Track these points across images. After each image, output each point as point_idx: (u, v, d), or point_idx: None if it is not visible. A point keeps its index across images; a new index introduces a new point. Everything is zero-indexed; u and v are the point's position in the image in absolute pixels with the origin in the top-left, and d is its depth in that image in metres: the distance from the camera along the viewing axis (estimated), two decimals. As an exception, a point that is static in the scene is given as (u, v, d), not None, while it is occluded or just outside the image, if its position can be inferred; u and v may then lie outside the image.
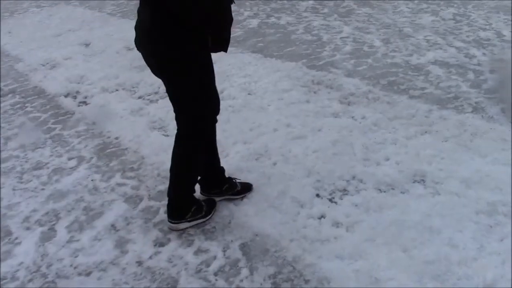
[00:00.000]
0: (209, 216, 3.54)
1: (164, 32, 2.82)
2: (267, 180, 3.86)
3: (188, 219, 3.45)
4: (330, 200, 3.63)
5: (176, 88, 3.09)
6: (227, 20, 2.89)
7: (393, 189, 3.68)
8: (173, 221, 3.45)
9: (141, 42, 3.00)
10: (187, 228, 3.46)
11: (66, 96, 6.03)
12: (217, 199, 3.67)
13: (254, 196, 3.66)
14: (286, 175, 3.88)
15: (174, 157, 3.30)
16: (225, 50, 3.00)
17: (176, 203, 3.44)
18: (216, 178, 3.65)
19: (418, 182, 3.73)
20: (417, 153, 4.05)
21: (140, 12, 2.97)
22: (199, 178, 3.58)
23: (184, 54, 2.88)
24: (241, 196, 3.71)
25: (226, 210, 3.61)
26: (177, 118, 3.23)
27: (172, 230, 3.47)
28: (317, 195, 3.68)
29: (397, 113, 4.73)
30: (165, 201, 3.48)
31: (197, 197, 3.58)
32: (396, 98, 5.08)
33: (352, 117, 4.74)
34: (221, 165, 3.66)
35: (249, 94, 5.40)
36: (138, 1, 2.95)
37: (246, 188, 3.74)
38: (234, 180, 3.72)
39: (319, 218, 3.44)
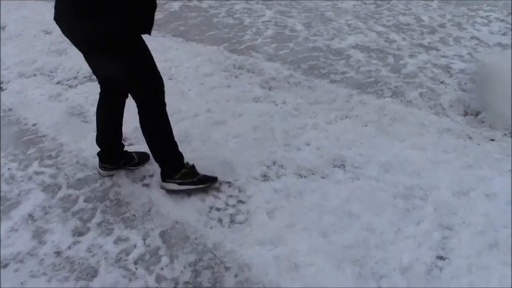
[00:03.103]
0: (202, 186, 3.54)
1: (96, 6, 2.76)
2: (187, 166, 3.82)
3: (177, 182, 3.48)
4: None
5: (120, 64, 3.05)
6: (150, 4, 2.95)
7: (313, 174, 3.70)
8: (163, 180, 3.53)
9: (69, 19, 2.93)
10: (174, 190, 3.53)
11: (-20, 82, 5.78)
12: (115, 172, 3.74)
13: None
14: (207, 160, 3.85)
15: (145, 126, 3.35)
16: (149, 33, 3.04)
17: (162, 158, 3.50)
18: (115, 153, 3.70)
19: (338, 167, 3.76)
20: (337, 138, 4.08)
21: None
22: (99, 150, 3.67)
23: (119, 28, 2.86)
24: (138, 167, 3.80)
25: (145, 197, 3.55)
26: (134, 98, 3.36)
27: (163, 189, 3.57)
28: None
29: (317, 97, 4.76)
30: (84, 189, 3.49)
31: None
32: (317, 82, 5.11)
33: (273, 102, 4.74)
34: (142, 150, 3.71)
35: (169, 79, 5.29)
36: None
37: (144, 158, 3.83)
38: (132, 154, 3.80)
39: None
